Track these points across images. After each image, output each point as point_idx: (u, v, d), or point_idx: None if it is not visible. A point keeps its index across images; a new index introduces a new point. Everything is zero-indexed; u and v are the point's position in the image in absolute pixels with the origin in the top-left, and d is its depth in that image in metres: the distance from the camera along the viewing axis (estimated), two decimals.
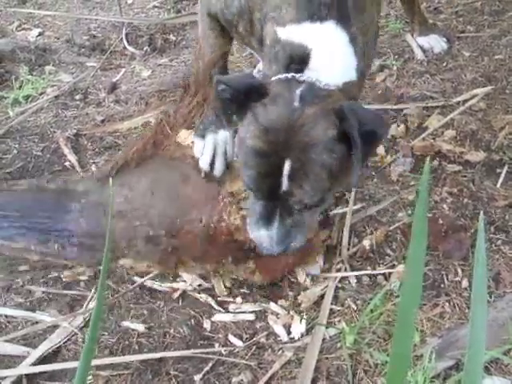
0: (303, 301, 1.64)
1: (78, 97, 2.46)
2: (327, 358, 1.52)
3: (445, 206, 1.86)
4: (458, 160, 2.00)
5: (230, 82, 1.38)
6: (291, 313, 1.62)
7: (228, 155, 1.73)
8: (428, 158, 0.71)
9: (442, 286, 1.66)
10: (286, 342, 1.57)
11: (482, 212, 0.76)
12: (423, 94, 2.30)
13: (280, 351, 1.55)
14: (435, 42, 2.53)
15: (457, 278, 1.67)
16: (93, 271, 1.74)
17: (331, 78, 1.40)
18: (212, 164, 1.71)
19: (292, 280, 1.71)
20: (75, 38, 2.85)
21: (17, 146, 2.20)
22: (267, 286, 1.69)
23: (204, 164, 1.70)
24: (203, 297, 1.67)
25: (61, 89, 2.50)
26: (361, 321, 1.55)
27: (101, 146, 2.18)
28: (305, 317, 1.61)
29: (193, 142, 1.75)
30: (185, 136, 1.77)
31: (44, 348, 1.56)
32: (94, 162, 2.11)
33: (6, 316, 1.66)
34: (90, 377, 1.48)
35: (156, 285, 1.71)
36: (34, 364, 1.54)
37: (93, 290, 1.71)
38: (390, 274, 1.69)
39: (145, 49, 2.77)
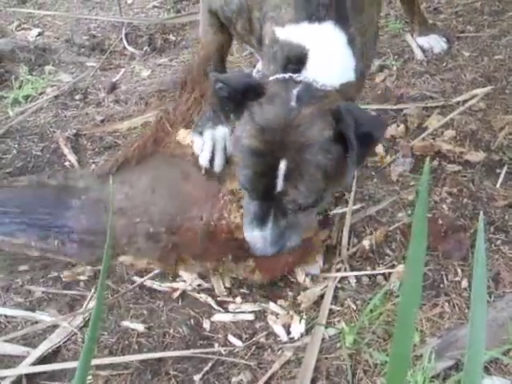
0: (303, 301, 1.64)
1: (77, 97, 2.46)
2: (327, 358, 1.52)
3: (444, 206, 1.86)
4: (458, 160, 2.00)
5: (227, 80, 1.38)
6: (291, 313, 1.62)
7: (228, 151, 1.73)
8: (428, 158, 0.71)
9: (442, 286, 1.66)
10: (285, 342, 1.57)
11: (481, 212, 0.76)
12: (423, 94, 2.30)
13: (279, 351, 1.55)
14: (435, 42, 2.53)
15: (456, 278, 1.67)
16: (92, 271, 1.74)
17: (328, 78, 1.40)
18: (212, 160, 1.71)
19: (292, 280, 1.71)
20: (75, 38, 2.85)
21: (16, 145, 2.20)
22: (267, 286, 1.69)
23: (204, 160, 1.71)
24: (203, 297, 1.67)
25: (60, 89, 2.50)
26: (360, 321, 1.55)
27: (100, 146, 2.18)
28: (304, 317, 1.61)
29: (192, 141, 1.75)
30: (184, 135, 1.77)
31: (44, 348, 1.56)
32: (93, 162, 2.11)
33: (6, 316, 1.66)
34: (90, 376, 1.48)
35: (156, 285, 1.71)
36: (34, 364, 1.53)
37: (92, 290, 1.71)
38: (389, 274, 1.69)
39: (144, 49, 2.77)
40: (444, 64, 2.47)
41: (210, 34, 1.81)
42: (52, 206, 1.77)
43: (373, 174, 1.99)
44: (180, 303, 1.67)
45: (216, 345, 1.57)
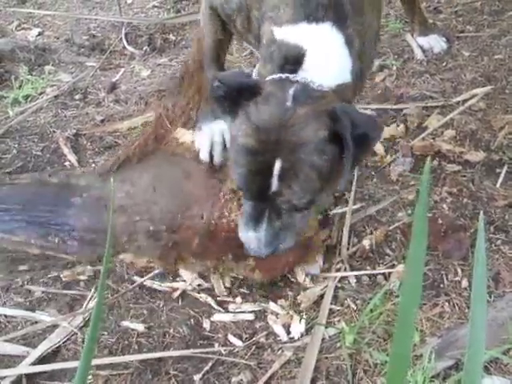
0: (303, 301, 1.64)
1: (77, 96, 2.46)
2: (327, 358, 1.52)
3: (444, 205, 1.86)
4: (458, 160, 2.00)
5: (224, 79, 1.38)
6: (291, 313, 1.62)
7: (227, 144, 1.73)
8: (428, 158, 0.71)
9: (442, 285, 1.66)
10: (285, 342, 1.57)
11: (481, 212, 0.76)
12: (423, 94, 2.30)
13: (279, 351, 1.55)
14: (435, 42, 2.53)
15: (456, 278, 1.67)
16: (92, 271, 1.74)
17: (325, 79, 1.40)
18: (212, 154, 1.72)
19: (292, 280, 1.71)
20: (75, 38, 2.85)
21: (16, 145, 2.20)
22: (267, 286, 1.69)
23: (203, 155, 1.71)
24: (203, 296, 1.67)
25: (60, 88, 2.50)
26: (360, 320, 1.55)
27: (100, 146, 2.18)
28: (304, 316, 1.61)
29: (192, 142, 1.76)
30: (182, 133, 1.77)
31: (44, 348, 1.56)
32: (93, 162, 2.11)
33: (6, 316, 1.66)
34: (90, 376, 1.48)
35: (156, 284, 1.71)
36: (34, 364, 1.54)
37: (92, 290, 1.71)
38: (389, 273, 1.69)
39: (144, 48, 2.76)
40: (444, 64, 2.47)
41: (209, 30, 1.82)
42: (53, 204, 1.77)
43: (373, 173, 1.99)
44: (180, 303, 1.67)
45: (216, 345, 1.57)
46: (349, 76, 1.46)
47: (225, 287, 1.69)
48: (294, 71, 1.40)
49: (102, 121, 2.30)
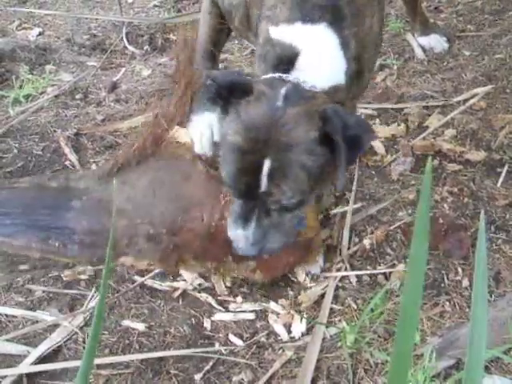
0: (303, 300, 1.64)
1: (78, 96, 2.46)
2: (327, 358, 1.52)
3: (445, 205, 1.86)
4: (459, 159, 2.00)
5: (215, 77, 1.38)
6: (291, 312, 1.62)
7: (215, 137, 1.73)
8: (429, 158, 0.71)
9: (443, 285, 1.66)
10: (286, 342, 1.57)
11: (482, 211, 0.76)
12: (423, 94, 2.30)
13: (280, 350, 1.55)
14: (436, 42, 2.53)
15: (457, 278, 1.67)
16: (93, 271, 1.74)
17: (318, 80, 1.40)
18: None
19: (292, 279, 1.71)
20: (75, 38, 2.85)
21: (17, 145, 2.20)
22: (267, 286, 1.69)
23: (196, 147, 1.71)
24: (203, 296, 1.67)
25: (61, 88, 2.49)
26: (361, 320, 1.55)
27: (101, 146, 2.18)
28: (305, 316, 1.61)
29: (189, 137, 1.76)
30: (181, 132, 1.77)
31: (44, 347, 1.56)
32: (94, 162, 2.11)
33: (7, 315, 1.66)
34: (91, 376, 1.48)
35: (156, 284, 1.71)
36: (35, 363, 1.53)
37: (93, 290, 1.71)
38: (390, 273, 1.69)
39: (145, 48, 2.77)
40: (445, 63, 2.47)
41: (206, 23, 1.82)
42: (53, 207, 1.76)
43: (373, 173, 1.99)
44: (181, 302, 1.67)
45: (217, 344, 1.57)
46: (342, 78, 1.45)
47: (225, 287, 1.69)
48: (287, 71, 1.40)
49: (103, 120, 2.30)
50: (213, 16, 1.80)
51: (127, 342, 1.58)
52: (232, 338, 1.58)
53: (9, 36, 2.87)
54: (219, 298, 1.67)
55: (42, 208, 1.77)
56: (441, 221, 1.78)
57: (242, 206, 1.41)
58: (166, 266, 1.70)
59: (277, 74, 1.40)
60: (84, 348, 1.56)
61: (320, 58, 1.42)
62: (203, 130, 1.74)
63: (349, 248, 1.76)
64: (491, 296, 1.61)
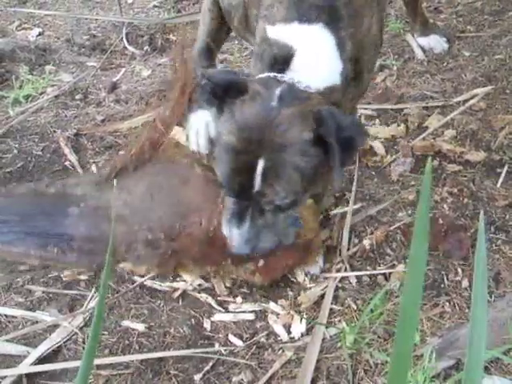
0: (303, 301, 1.64)
1: (78, 96, 2.46)
2: (327, 358, 1.52)
3: (445, 205, 1.86)
4: (458, 160, 2.00)
5: (211, 76, 1.38)
6: (291, 312, 1.62)
7: (210, 135, 1.74)
8: (429, 158, 0.71)
9: (442, 285, 1.66)
10: (286, 342, 1.57)
11: (482, 212, 0.76)
12: (423, 94, 2.30)
13: (280, 351, 1.55)
14: (435, 43, 2.53)
15: (457, 278, 1.67)
16: (93, 271, 1.74)
17: (313, 80, 1.39)
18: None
19: (292, 280, 1.71)
20: (75, 38, 2.86)
21: (17, 145, 2.20)
22: (267, 286, 1.69)
23: (192, 145, 1.71)
24: (203, 296, 1.67)
25: (61, 88, 2.49)
26: (361, 320, 1.55)
27: (101, 146, 2.18)
28: (305, 316, 1.61)
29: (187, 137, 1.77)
30: (180, 133, 1.77)
31: (44, 348, 1.56)
32: (94, 162, 2.11)
33: (6, 315, 1.66)
34: (91, 376, 1.48)
35: (156, 284, 1.71)
36: (34, 363, 1.53)
37: (93, 290, 1.71)
38: (390, 273, 1.69)
39: (145, 48, 2.77)
40: (444, 64, 2.47)
41: (207, 20, 1.82)
42: (51, 214, 1.75)
43: (373, 173, 1.99)
44: (180, 303, 1.67)
45: (216, 344, 1.57)
46: (338, 79, 1.45)
47: (225, 287, 1.69)
48: (283, 71, 1.40)
49: (103, 121, 2.30)
50: (213, 14, 1.80)
51: (127, 342, 1.58)
52: (232, 338, 1.58)
53: (9, 36, 2.87)
54: (219, 298, 1.67)
55: (39, 215, 1.76)
56: (441, 221, 1.78)
57: (236, 206, 1.41)
58: (164, 271, 1.70)
59: (272, 74, 1.40)
60: (84, 348, 1.56)
61: (315, 58, 1.41)
62: (199, 128, 1.74)
63: (348, 248, 1.76)
64: (491, 297, 1.61)
